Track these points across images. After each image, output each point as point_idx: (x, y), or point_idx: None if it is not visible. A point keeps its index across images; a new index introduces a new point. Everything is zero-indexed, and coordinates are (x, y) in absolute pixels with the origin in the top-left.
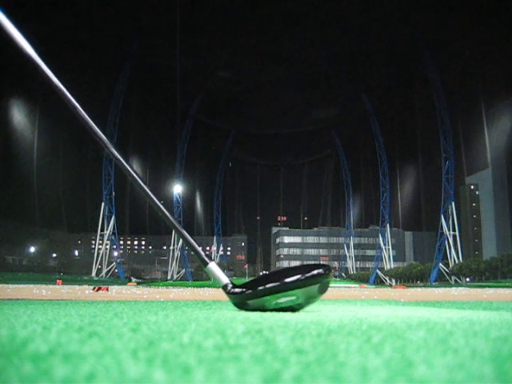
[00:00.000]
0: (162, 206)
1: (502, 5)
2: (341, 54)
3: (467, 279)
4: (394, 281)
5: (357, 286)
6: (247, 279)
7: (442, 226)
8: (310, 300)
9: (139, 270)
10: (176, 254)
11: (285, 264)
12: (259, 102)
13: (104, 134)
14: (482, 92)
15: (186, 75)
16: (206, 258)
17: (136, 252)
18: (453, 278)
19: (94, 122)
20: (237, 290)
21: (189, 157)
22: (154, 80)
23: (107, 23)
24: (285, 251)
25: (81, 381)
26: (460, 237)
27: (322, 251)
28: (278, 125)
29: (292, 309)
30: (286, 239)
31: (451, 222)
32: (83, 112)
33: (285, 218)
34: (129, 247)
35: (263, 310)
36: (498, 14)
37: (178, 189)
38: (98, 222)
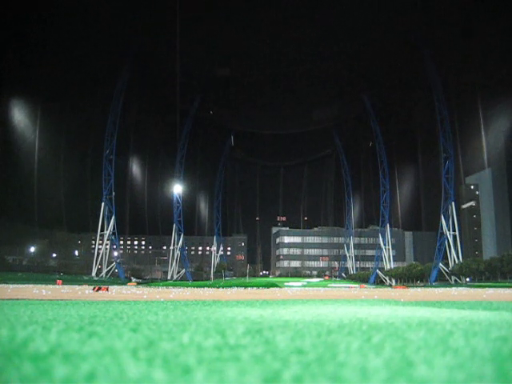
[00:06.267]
0: None
1: (502, 5)
2: (341, 53)
3: (467, 279)
4: (393, 281)
5: (357, 286)
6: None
7: (441, 226)
8: None
9: (139, 270)
10: (176, 254)
11: (285, 264)
12: (259, 102)
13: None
14: (482, 92)
15: (186, 75)
16: None
17: (136, 252)
18: (453, 277)
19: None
20: None
21: (189, 157)
22: (154, 80)
23: (107, 23)
24: (285, 251)
25: (81, 381)
26: (460, 237)
27: (321, 251)
28: (278, 125)
29: None
30: (286, 239)
31: (451, 221)
32: None
33: (285, 218)
34: (129, 247)
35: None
36: (498, 14)
37: (177, 189)
38: (98, 222)
